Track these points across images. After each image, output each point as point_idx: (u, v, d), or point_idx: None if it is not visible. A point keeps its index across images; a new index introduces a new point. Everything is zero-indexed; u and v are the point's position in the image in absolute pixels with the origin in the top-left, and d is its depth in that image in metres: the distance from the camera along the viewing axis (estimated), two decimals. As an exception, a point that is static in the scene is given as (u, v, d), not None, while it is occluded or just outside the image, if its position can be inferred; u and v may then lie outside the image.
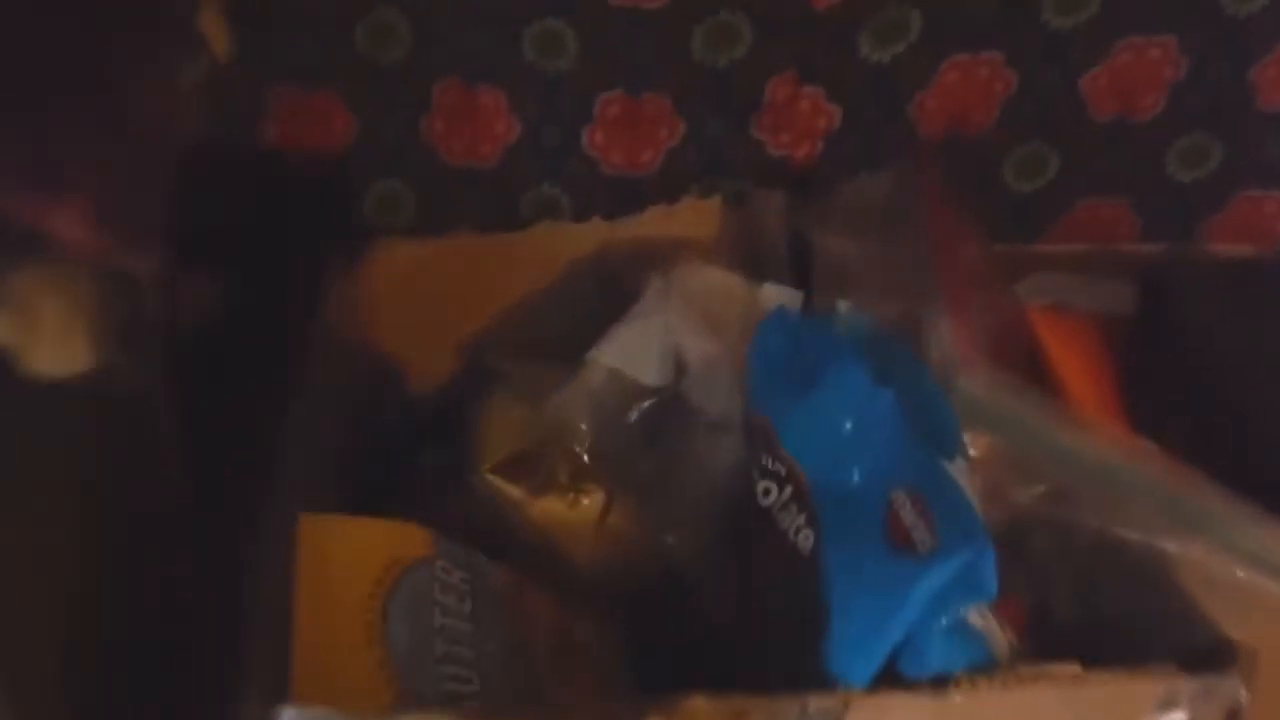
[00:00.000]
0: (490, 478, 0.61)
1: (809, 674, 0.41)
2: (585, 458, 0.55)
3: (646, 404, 0.54)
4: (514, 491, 0.61)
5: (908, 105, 0.79)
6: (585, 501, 0.59)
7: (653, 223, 0.76)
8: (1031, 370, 0.57)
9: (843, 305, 0.52)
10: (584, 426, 0.55)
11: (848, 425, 0.45)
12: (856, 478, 0.44)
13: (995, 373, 0.50)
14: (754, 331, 0.51)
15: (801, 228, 0.68)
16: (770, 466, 0.47)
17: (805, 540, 0.44)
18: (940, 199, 0.61)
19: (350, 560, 0.48)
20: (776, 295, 0.67)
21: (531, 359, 0.65)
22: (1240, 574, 0.48)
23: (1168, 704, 0.42)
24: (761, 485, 0.47)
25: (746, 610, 0.49)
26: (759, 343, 0.51)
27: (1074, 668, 0.41)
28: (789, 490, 0.46)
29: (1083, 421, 0.48)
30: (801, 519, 0.44)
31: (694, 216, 0.77)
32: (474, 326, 0.70)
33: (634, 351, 0.55)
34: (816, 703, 0.39)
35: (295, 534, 0.48)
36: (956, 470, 0.44)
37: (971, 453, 0.47)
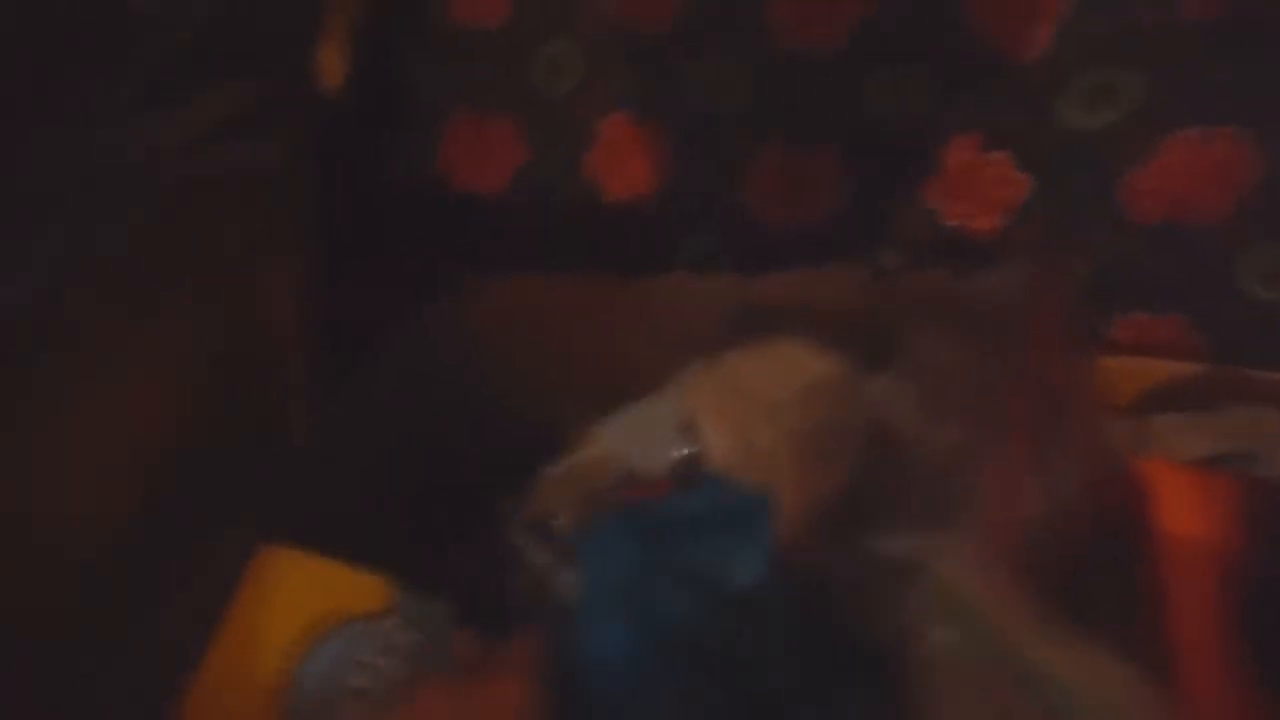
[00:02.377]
0: (518, 534, 0.59)
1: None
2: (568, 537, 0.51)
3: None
4: (538, 556, 0.58)
5: (1116, 182, 0.66)
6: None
7: (790, 285, 0.70)
8: (1122, 551, 0.45)
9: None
10: (570, 505, 0.51)
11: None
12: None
13: (1008, 558, 0.40)
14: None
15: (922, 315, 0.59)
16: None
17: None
18: (1059, 312, 0.50)
19: (292, 599, 0.48)
20: (891, 389, 0.59)
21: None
22: None
23: None
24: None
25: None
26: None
27: None
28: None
29: (1087, 653, 0.36)
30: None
31: (837, 285, 0.69)
32: (577, 371, 0.68)
33: (635, 433, 0.51)
34: None
35: (251, 562, 0.49)
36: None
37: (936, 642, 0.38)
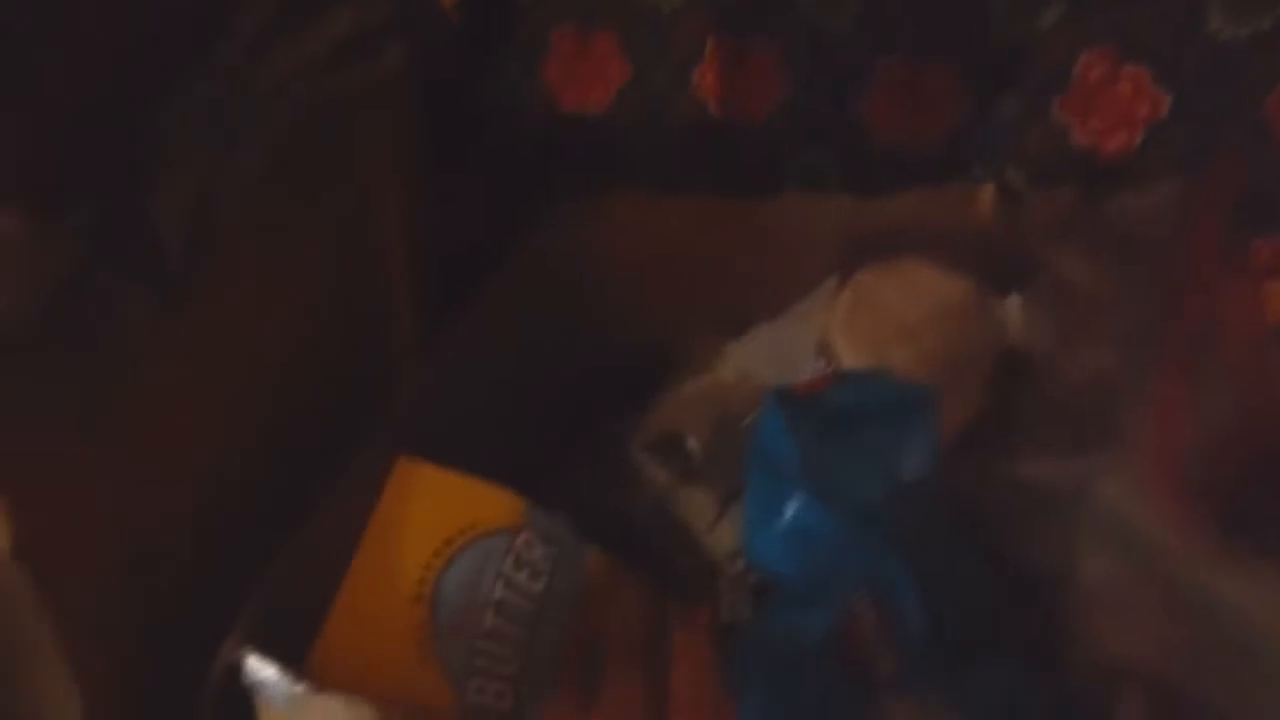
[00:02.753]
0: (638, 453, 0.59)
1: None
2: (700, 457, 0.51)
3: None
4: (658, 473, 0.59)
5: (1266, 97, 0.62)
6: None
7: (910, 205, 0.68)
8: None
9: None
10: (703, 425, 0.51)
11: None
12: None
13: (1171, 483, 0.39)
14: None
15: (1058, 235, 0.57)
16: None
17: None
18: (1219, 224, 0.48)
19: (429, 513, 0.49)
20: (1021, 308, 0.58)
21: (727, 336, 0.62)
22: None
23: None
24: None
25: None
26: (756, 431, 0.45)
27: None
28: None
29: (1259, 576, 0.35)
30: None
31: (959, 205, 0.67)
32: (694, 291, 0.67)
33: (773, 355, 0.50)
34: None
35: (386, 473, 0.49)
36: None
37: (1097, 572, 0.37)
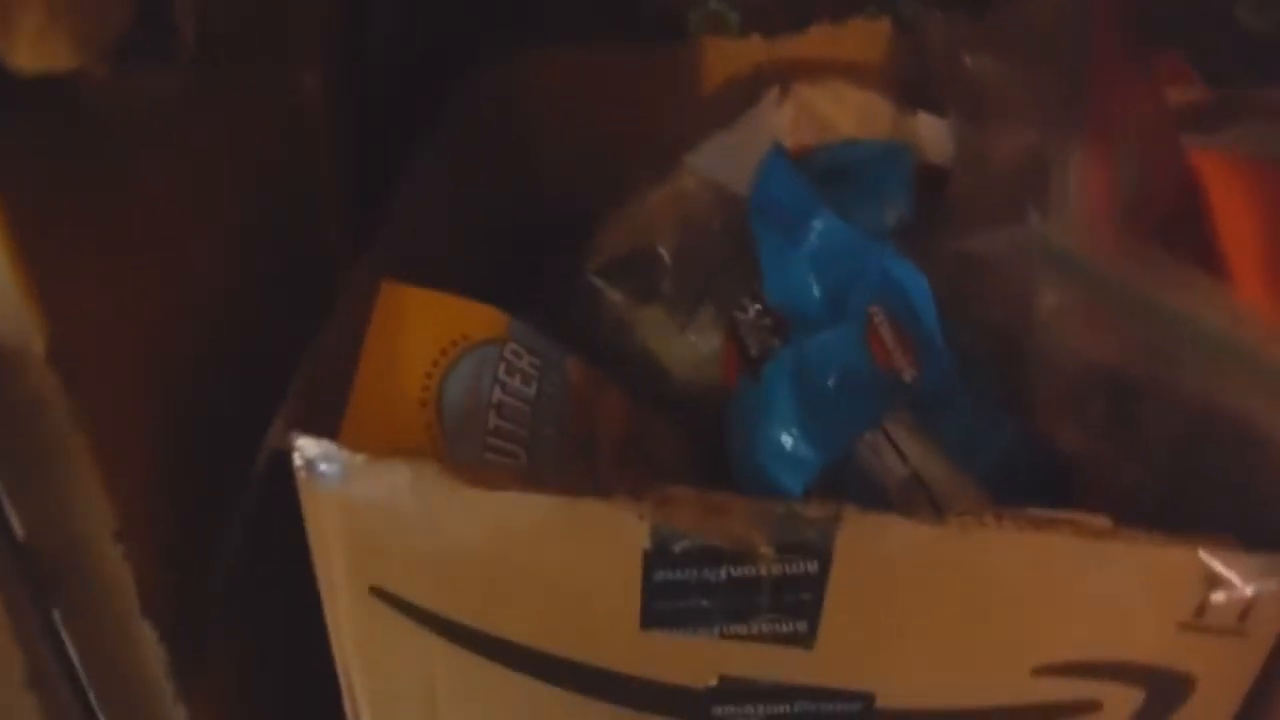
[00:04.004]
0: (593, 278, 0.61)
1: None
2: (669, 264, 0.54)
3: (733, 214, 0.52)
4: (614, 295, 0.61)
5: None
6: (693, 339, 0.59)
7: (817, 42, 0.72)
8: (1188, 226, 0.50)
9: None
10: (669, 233, 0.54)
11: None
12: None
13: (1106, 222, 0.44)
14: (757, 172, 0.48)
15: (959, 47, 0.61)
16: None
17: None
18: (1116, 23, 0.54)
19: (420, 329, 0.50)
20: (930, 124, 0.63)
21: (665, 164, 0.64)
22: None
23: (1217, 581, 0.37)
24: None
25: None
26: (759, 183, 0.48)
27: (1104, 521, 0.37)
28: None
29: (1197, 283, 0.42)
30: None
31: (862, 38, 0.72)
32: (621, 139, 0.70)
33: (731, 160, 0.53)
34: (807, 509, 0.37)
35: (373, 295, 0.50)
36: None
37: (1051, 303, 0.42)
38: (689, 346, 0.58)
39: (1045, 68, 0.55)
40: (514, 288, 0.63)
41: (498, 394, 0.50)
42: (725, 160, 0.54)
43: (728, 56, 0.73)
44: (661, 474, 0.55)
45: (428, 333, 0.51)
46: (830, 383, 0.42)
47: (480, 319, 0.52)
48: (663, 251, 0.55)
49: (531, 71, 0.72)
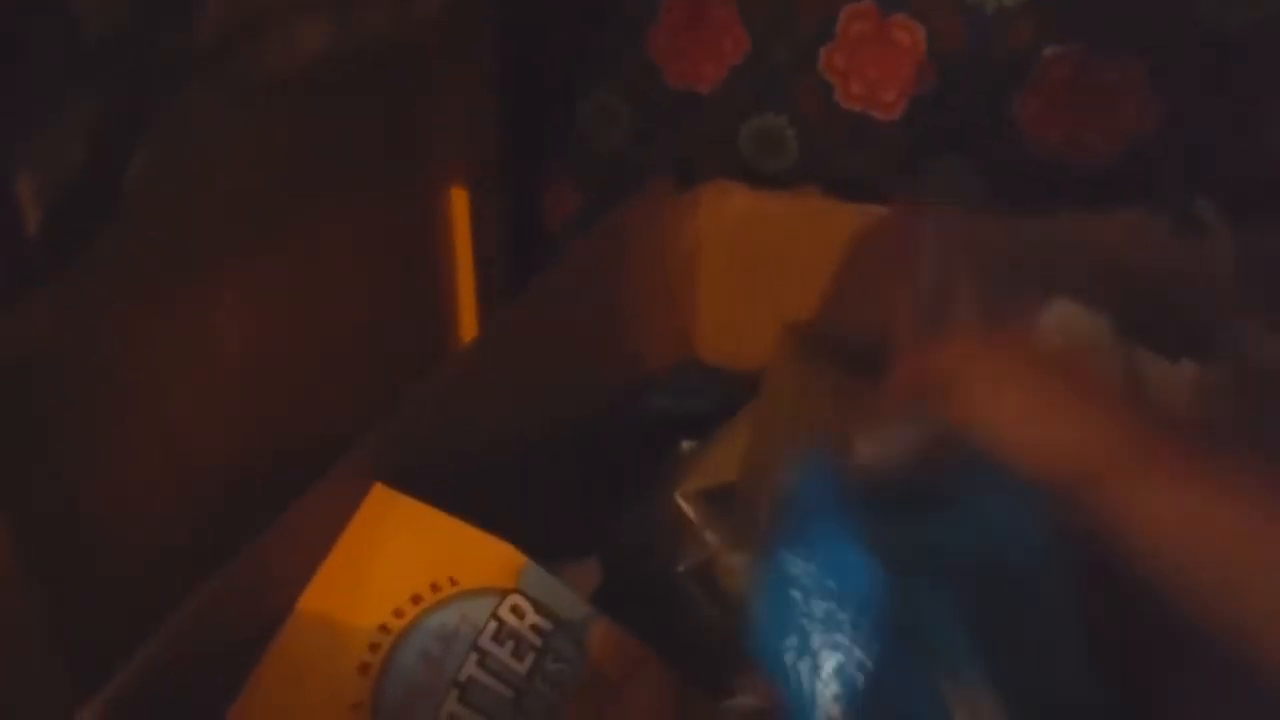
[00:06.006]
0: (680, 501, 0.49)
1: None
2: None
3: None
4: (709, 534, 0.49)
5: None
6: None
7: (1071, 229, 0.56)
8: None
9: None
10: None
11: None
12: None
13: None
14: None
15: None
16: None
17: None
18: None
19: (401, 557, 0.41)
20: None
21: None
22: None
23: None
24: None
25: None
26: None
27: None
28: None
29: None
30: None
31: (1133, 233, 0.55)
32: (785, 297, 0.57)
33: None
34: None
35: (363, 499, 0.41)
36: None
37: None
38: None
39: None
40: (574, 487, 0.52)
41: (470, 668, 0.39)
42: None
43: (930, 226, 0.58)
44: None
45: (409, 564, 0.41)
46: None
47: (484, 557, 0.41)
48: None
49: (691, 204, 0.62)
